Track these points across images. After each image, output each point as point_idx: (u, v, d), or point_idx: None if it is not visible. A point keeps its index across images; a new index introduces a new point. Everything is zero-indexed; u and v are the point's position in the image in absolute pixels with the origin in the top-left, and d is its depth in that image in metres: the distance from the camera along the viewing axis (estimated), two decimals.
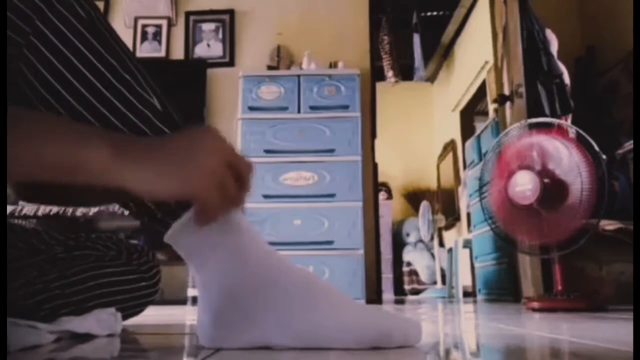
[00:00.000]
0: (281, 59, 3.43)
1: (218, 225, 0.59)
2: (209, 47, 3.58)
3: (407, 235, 5.97)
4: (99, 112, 0.60)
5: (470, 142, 4.05)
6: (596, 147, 1.86)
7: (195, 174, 0.53)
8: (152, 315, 1.48)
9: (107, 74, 0.61)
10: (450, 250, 4.73)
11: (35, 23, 0.59)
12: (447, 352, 0.65)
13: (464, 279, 4.34)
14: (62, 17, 0.60)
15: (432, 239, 5.66)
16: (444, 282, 5.24)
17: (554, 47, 2.78)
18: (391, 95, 5.92)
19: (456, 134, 5.56)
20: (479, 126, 4.45)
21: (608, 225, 2.20)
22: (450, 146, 5.74)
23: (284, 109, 3.02)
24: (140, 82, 0.63)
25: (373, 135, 3.36)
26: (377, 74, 3.69)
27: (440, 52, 5.89)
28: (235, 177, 0.56)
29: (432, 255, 5.72)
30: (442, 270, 5.33)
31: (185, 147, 0.54)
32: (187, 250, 0.60)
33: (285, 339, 0.59)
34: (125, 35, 3.55)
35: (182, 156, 0.53)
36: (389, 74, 5.33)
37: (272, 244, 0.64)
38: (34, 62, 0.59)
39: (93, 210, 2.86)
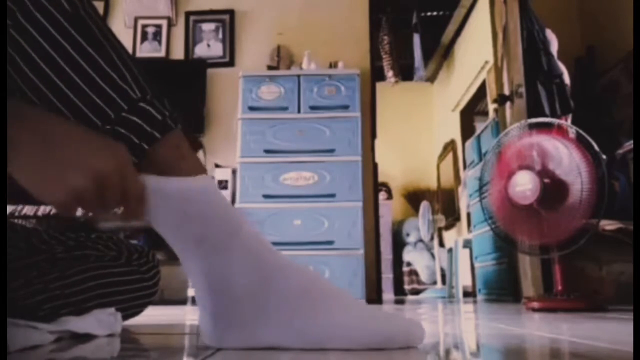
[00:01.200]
0: (281, 59, 3.43)
1: (219, 227, 0.59)
2: (209, 47, 3.58)
3: (407, 235, 5.98)
4: (77, 107, 0.58)
5: (470, 142, 4.05)
6: (596, 147, 1.86)
7: (55, 184, 0.54)
8: (152, 315, 1.48)
9: (88, 70, 0.58)
10: (450, 250, 4.73)
11: (15, 15, 0.56)
12: (447, 352, 0.65)
13: (464, 279, 4.34)
14: (44, 10, 0.57)
15: (432, 239, 5.66)
16: (444, 282, 5.24)
17: (554, 47, 2.78)
18: (391, 95, 5.92)
19: (456, 134, 5.56)
20: (479, 126, 4.45)
21: (608, 225, 2.20)
22: (450, 146, 5.74)
23: (284, 109, 3.02)
24: (127, 79, 0.60)
25: (373, 135, 3.36)
26: (377, 74, 3.69)
27: (440, 52, 5.89)
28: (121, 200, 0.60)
29: (432, 255, 5.72)
30: (442, 270, 5.33)
31: (74, 155, 0.54)
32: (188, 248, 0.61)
33: (287, 339, 0.59)
34: (125, 36, 3.56)
35: (60, 161, 0.54)
36: (389, 74, 5.33)
37: (272, 244, 0.64)
38: (14, 56, 0.57)
39: None
